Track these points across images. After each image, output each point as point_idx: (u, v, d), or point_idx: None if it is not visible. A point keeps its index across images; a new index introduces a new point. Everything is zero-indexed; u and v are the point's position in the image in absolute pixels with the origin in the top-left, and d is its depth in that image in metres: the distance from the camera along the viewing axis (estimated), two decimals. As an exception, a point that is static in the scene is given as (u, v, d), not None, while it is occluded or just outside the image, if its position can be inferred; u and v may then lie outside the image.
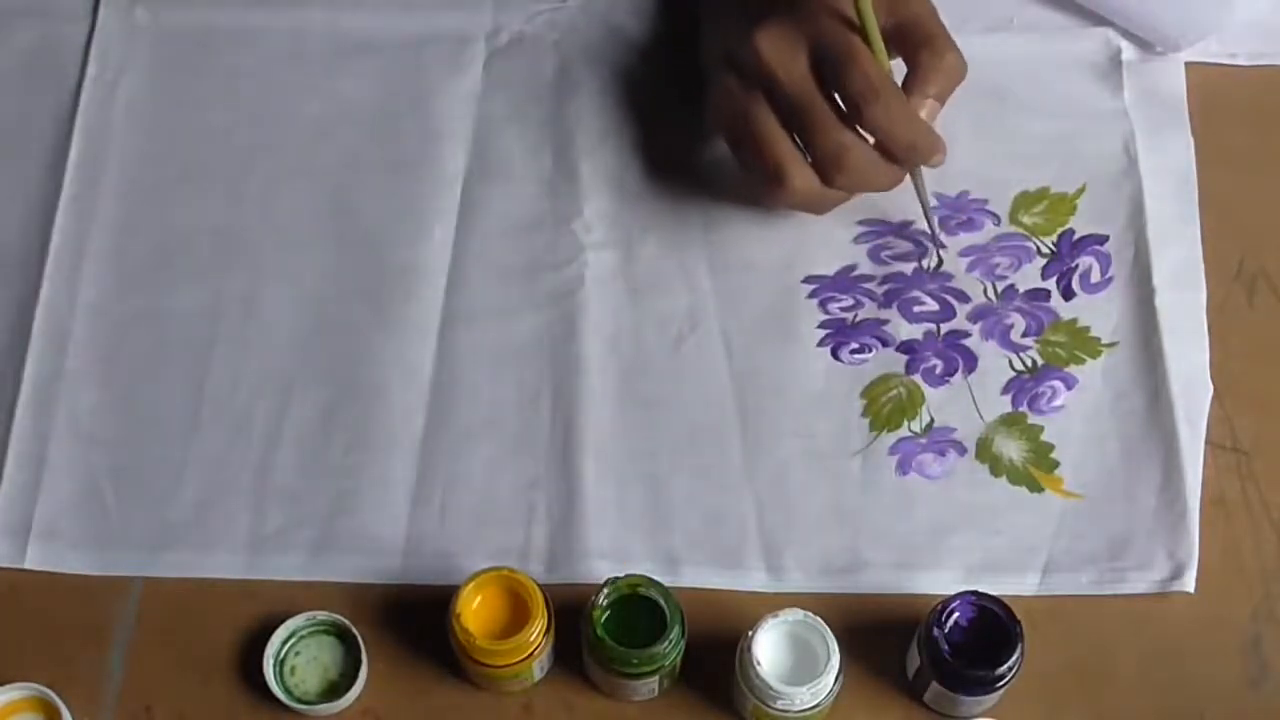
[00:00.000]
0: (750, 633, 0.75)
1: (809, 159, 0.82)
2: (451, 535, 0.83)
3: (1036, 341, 0.87)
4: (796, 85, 0.81)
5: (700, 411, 0.85)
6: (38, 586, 0.82)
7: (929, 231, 0.88)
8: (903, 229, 0.90)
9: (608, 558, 0.82)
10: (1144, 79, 0.94)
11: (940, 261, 0.89)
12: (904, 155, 0.82)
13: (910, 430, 0.85)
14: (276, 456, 0.85)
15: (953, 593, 0.77)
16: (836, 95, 0.81)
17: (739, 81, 0.84)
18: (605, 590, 0.76)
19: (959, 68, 0.83)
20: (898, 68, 0.83)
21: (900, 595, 0.82)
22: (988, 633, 0.76)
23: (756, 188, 0.85)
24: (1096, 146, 0.92)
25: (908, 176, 0.85)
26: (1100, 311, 0.88)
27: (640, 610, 0.76)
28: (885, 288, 0.88)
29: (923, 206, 0.87)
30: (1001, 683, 0.76)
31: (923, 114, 0.82)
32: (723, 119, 0.85)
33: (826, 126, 0.81)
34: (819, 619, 0.75)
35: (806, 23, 0.82)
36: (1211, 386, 0.86)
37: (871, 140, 0.82)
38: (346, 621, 0.80)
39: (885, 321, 0.88)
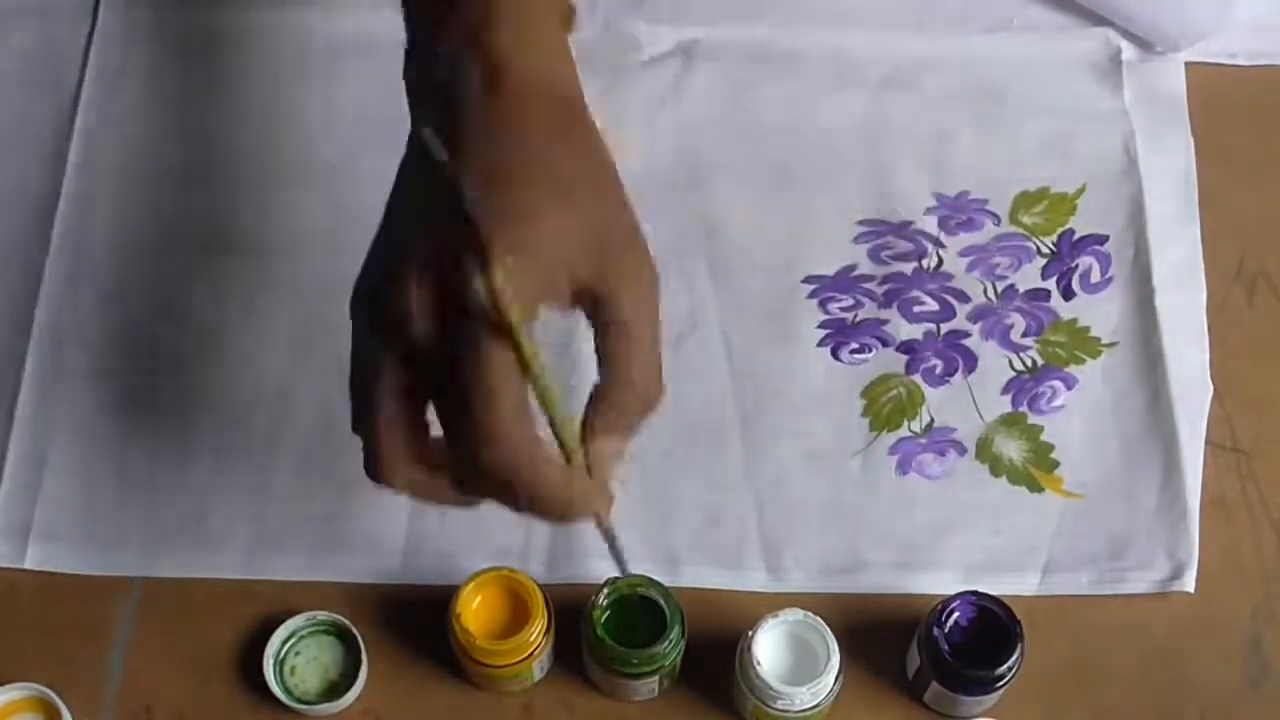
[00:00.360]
0: (750, 633, 0.75)
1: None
2: (451, 535, 0.83)
3: (1036, 341, 0.87)
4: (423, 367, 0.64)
5: (700, 411, 0.85)
6: (38, 586, 0.82)
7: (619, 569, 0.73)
8: (903, 229, 0.90)
9: (608, 558, 0.82)
10: (1144, 79, 0.94)
11: (940, 261, 0.89)
12: (531, 510, 0.65)
13: (910, 430, 0.85)
14: (276, 456, 0.85)
15: (953, 593, 0.77)
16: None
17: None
18: (605, 590, 0.76)
19: (645, 398, 0.65)
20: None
21: (900, 595, 0.82)
22: (988, 633, 0.76)
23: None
24: (1096, 146, 0.92)
25: None
26: (1100, 311, 0.88)
27: (640, 610, 0.76)
28: (885, 288, 0.88)
29: (612, 551, 0.72)
30: (1001, 683, 0.76)
31: (596, 454, 0.65)
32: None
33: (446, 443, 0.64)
34: (819, 619, 0.76)
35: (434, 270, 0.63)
36: (1211, 386, 0.86)
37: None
38: (346, 621, 0.80)
39: (885, 321, 0.88)
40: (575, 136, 0.66)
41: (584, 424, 0.65)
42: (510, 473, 0.62)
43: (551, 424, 0.64)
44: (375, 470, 0.66)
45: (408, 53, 0.71)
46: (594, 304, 0.63)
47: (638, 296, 0.64)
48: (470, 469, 0.63)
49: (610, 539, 0.70)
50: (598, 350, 0.64)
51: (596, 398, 0.64)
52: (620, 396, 0.64)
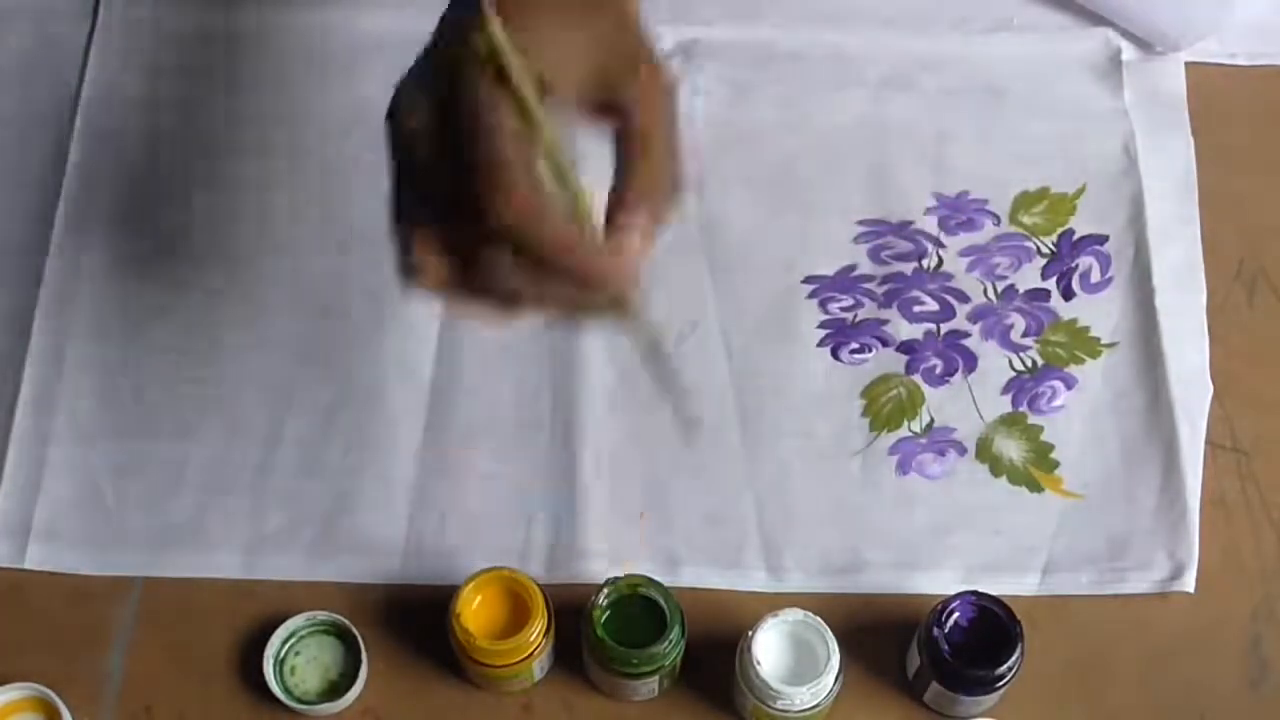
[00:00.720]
0: (750, 633, 0.75)
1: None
2: (451, 535, 0.83)
3: (1036, 341, 0.87)
4: (429, 176, 0.63)
5: (700, 411, 0.85)
6: (38, 586, 0.82)
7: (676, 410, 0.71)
8: (903, 229, 0.90)
9: (608, 558, 0.82)
10: (1144, 79, 0.94)
11: (940, 261, 0.89)
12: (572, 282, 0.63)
13: (910, 430, 0.85)
14: (276, 457, 0.85)
15: (953, 593, 0.77)
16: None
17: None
18: (605, 590, 0.76)
19: (668, 185, 0.66)
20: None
21: (900, 595, 0.82)
22: (988, 633, 0.76)
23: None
24: (1096, 146, 0.92)
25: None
26: (1100, 311, 0.88)
27: (640, 610, 0.76)
28: (885, 288, 0.88)
29: (661, 381, 0.69)
30: (1001, 683, 0.76)
31: (631, 241, 0.64)
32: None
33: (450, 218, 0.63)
34: (819, 619, 0.75)
35: (443, 85, 0.62)
36: (1211, 386, 0.86)
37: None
38: (346, 621, 0.80)
39: (885, 321, 0.88)
40: None
41: (610, 206, 0.64)
42: (532, 233, 0.60)
43: (567, 195, 0.62)
44: (407, 267, 0.64)
45: None
46: (611, 116, 0.64)
47: (654, 103, 0.65)
48: (494, 252, 0.61)
49: (651, 345, 0.67)
50: (618, 157, 0.64)
51: (620, 184, 0.64)
52: (643, 181, 0.64)
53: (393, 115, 0.64)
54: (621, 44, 0.66)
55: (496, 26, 0.60)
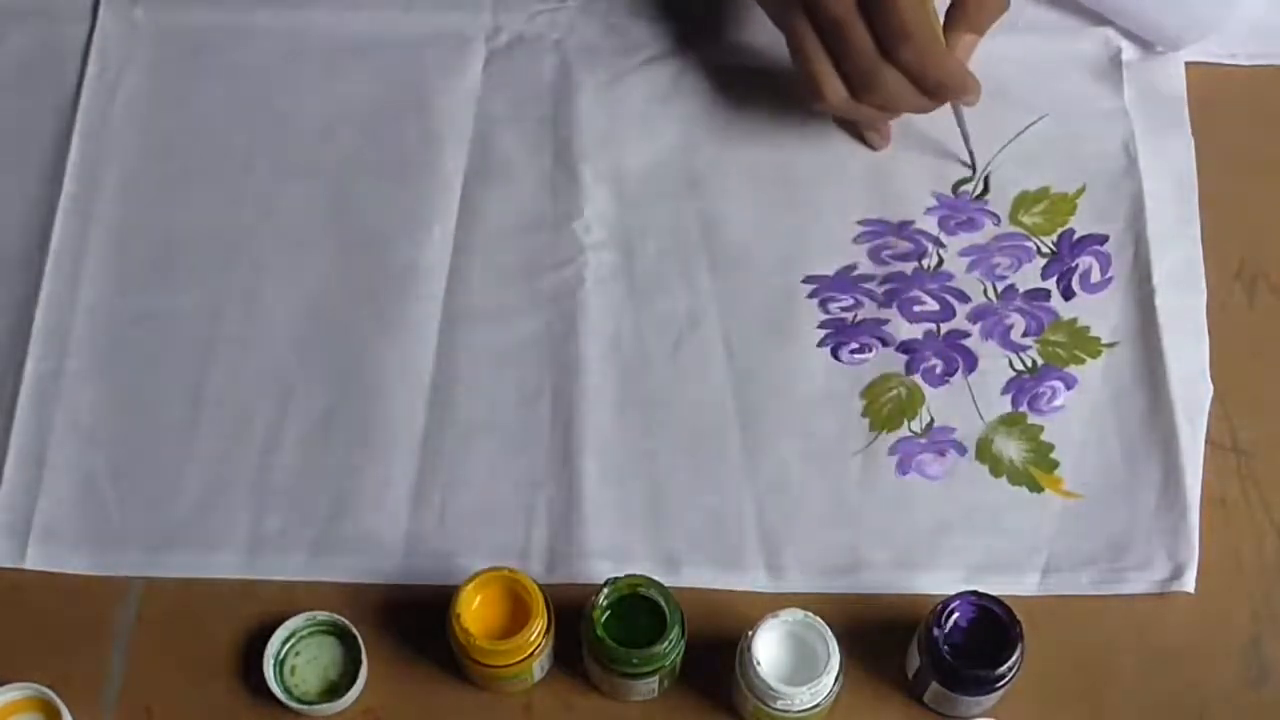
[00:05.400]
0: (750, 633, 0.75)
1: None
2: (451, 535, 0.83)
3: (1036, 341, 0.87)
4: (833, 9, 0.83)
5: (700, 412, 0.85)
6: (38, 586, 0.82)
7: (967, 161, 0.91)
8: (903, 229, 0.90)
9: (608, 558, 0.82)
10: (1144, 79, 0.94)
11: (940, 261, 0.89)
12: (933, 92, 0.84)
13: (910, 430, 0.85)
14: (276, 456, 0.85)
15: (953, 593, 0.77)
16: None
17: None
18: (605, 590, 0.76)
19: (1000, 2, 0.86)
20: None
21: (900, 595, 0.82)
22: (988, 633, 0.76)
23: (802, 91, 0.87)
24: (1096, 146, 0.92)
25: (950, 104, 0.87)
26: (1100, 311, 0.88)
27: (640, 610, 0.76)
28: (885, 288, 0.88)
29: (962, 135, 0.90)
30: (1001, 683, 0.76)
31: (960, 49, 0.86)
32: (775, 24, 0.88)
33: (859, 51, 0.83)
34: (819, 619, 0.76)
35: None
36: (1211, 386, 0.86)
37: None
38: (346, 621, 0.80)
39: (885, 321, 0.88)
40: None
41: (949, 24, 0.85)
42: (926, 58, 0.82)
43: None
44: (815, 88, 0.85)
45: None
46: None
47: None
48: (884, 72, 0.83)
49: (963, 123, 0.89)
50: None
51: (955, 10, 0.86)
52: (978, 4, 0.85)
53: None
54: None
55: None
